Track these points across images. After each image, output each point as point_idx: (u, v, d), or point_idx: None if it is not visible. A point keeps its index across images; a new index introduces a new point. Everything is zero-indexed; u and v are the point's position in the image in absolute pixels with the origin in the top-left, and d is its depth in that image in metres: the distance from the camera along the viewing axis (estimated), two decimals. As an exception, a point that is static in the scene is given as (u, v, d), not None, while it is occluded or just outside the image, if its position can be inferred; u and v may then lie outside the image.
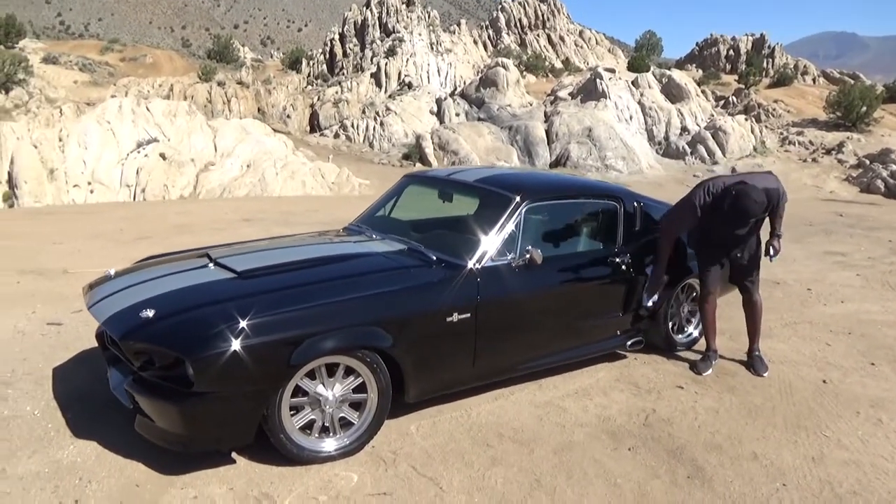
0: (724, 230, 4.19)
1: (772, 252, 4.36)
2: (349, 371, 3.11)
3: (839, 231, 11.48)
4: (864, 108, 37.92)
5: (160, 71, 45.92)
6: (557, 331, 3.92)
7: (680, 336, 4.69)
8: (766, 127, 39.86)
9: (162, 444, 2.93)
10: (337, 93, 43.68)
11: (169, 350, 2.79)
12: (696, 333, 4.77)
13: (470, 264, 3.50)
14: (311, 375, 3.02)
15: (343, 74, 49.19)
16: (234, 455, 3.09)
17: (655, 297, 4.32)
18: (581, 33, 63.84)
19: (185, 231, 9.01)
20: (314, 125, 41.68)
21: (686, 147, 35.20)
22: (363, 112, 41.15)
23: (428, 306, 3.31)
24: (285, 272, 3.36)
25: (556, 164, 31.05)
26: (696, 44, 63.56)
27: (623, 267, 4.15)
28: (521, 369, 3.84)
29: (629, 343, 4.35)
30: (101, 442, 3.17)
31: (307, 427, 3.07)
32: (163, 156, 18.44)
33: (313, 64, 52.23)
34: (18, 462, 3.01)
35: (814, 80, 54.43)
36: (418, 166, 32.44)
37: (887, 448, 3.53)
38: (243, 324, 2.79)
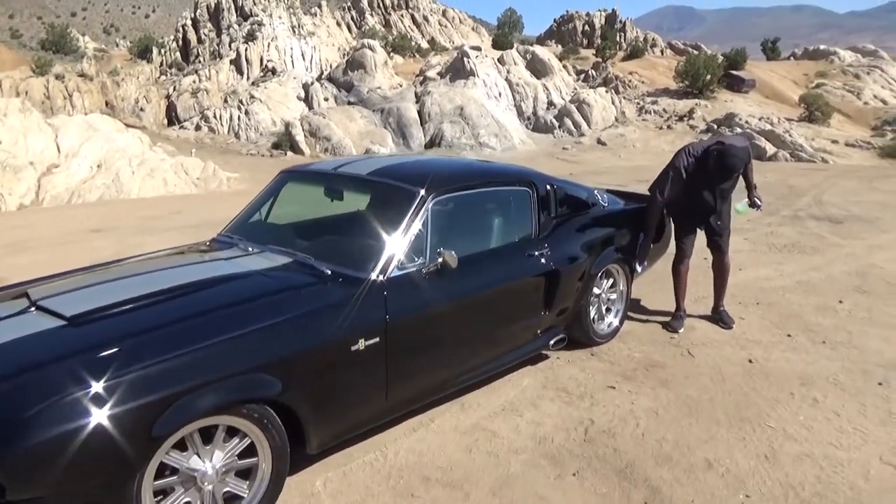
0: (708, 189, 4.43)
1: (759, 202, 4.79)
2: (232, 432, 2.42)
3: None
4: (709, 77, 40.42)
5: (-15, 66, 40.99)
6: (478, 342, 3.39)
7: (602, 326, 4.31)
8: (624, 98, 41.57)
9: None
10: (195, 82, 40.96)
11: None
12: (616, 323, 4.41)
13: (373, 276, 2.88)
14: (181, 446, 2.30)
15: (200, 62, 46.28)
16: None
17: (645, 263, 4.54)
18: (444, 12, 63.79)
19: (21, 249, 7.63)
20: (172, 118, 38.90)
21: (554, 121, 35.96)
22: (225, 101, 38.85)
23: (326, 336, 2.65)
24: (130, 311, 2.55)
25: (431, 144, 30.79)
26: (554, 20, 65.47)
27: (542, 260, 3.67)
28: (441, 392, 3.28)
29: (552, 342, 3.90)
30: None
31: (180, 513, 2.35)
32: (-5, 161, 16.18)
33: (165, 52, 48.68)
34: None
35: (662, 52, 57.63)
36: (290, 155, 30.99)
37: (832, 433, 3.32)
38: (75, 396, 2.03)
